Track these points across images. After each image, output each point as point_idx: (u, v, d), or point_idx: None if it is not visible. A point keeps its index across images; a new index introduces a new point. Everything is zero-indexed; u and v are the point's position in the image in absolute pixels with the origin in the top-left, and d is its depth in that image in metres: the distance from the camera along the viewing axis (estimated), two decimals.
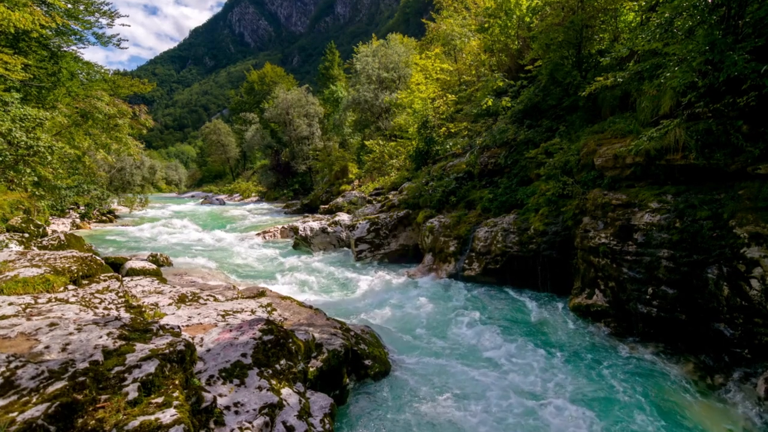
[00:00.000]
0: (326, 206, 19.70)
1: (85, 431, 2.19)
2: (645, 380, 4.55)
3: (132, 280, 6.18)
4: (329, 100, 41.82)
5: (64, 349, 2.81)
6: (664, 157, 5.42)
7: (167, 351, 2.90)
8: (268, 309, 5.16)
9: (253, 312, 4.91)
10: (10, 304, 3.81)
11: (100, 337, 3.01)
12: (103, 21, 12.87)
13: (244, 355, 3.47)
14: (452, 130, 13.99)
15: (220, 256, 11.38)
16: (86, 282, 5.11)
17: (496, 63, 14.76)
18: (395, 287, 7.96)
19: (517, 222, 7.91)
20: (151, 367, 2.69)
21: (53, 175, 11.51)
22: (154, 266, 8.06)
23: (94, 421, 2.25)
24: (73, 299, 4.30)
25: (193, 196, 51.28)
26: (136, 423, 2.27)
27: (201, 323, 4.35)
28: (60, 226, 15.07)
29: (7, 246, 8.15)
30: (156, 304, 4.91)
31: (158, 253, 9.63)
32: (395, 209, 12.15)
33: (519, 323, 6.18)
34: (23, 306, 3.83)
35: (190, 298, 5.34)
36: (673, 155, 5.30)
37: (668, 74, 5.29)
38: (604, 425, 3.79)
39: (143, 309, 4.54)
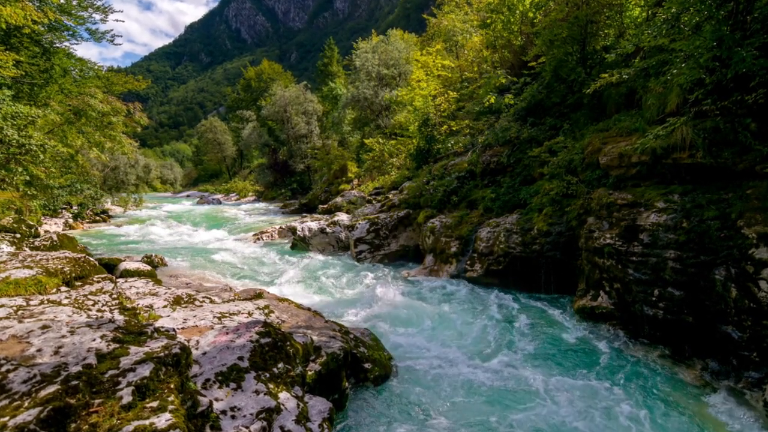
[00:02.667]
0: (325, 206, 19.50)
1: None
2: (652, 386, 4.47)
3: (126, 281, 6.05)
4: (328, 98, 41.44)
5: (56, 352, 2.72)
6: (671, 156, 5.35)
7: (162, 354, 2.81)
8: (266, 311, 5.04)
9: (250, 314, 4.79)
10: (2, 306, 3.69)
11: (94, 339, 2.91)
12: (97, 16, 12.65)
13: (240, 358, 3.38)
14: (454, 128, 13.87)
15: (217, 257, 11.23)
16: (79, 283, 4.98)
17: (498, 59, 14.65)
18: (395, 289, 7.85)
19: (520, 222, 7.82)
20: (145, 371, 2.60)
21: (45, 174, 11.34)
22: (148, 267, 7.93)
23: (87, 426, 2.18)
24: (65, 301, 4.18)
25: (188, 196, 50.90)
26: (130, 428, 2.21)
27: (197, 326, 4.23)
28: (52, 226, 14.86)
29: None
30: (151, 306, 4.78)
31: (153, 254, 9.51)
32: (395, 209, 12.04)
33: (523, 326, 6.07)
34: (15, 308, 3.71)
35: (186, 299, 5.22)
36: (680, 154, 5.23)
37: (675, 71, 5.22)
38: None
39: (138, 311, 4.42)
